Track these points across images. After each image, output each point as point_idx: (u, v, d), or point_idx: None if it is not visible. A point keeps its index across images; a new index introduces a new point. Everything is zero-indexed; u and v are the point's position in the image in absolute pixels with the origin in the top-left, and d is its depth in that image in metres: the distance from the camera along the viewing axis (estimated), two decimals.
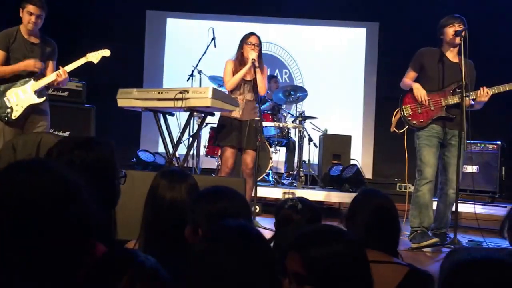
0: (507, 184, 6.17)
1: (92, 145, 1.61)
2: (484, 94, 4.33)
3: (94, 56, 4.57)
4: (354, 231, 2.03)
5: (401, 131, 4.58)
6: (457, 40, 4.39)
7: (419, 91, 4.45)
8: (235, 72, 4.82)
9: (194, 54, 6.60)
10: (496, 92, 4.37)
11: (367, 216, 2.05)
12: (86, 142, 1.62)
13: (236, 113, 4.79)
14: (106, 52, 4.62)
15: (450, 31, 4.42)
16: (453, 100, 4.40)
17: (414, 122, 4.51)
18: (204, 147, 6.84)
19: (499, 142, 6.16)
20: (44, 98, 4.46)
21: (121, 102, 4.71)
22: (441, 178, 4.56)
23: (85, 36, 7.80)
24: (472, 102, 4.48)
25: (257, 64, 4.70)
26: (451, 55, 4.54)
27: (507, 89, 4.36)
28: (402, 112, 4.57)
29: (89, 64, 7.50)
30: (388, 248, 2.00)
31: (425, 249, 4.32)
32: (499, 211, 5.81)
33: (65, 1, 8.00)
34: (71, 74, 6.59)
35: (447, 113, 4.43)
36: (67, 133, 6.45)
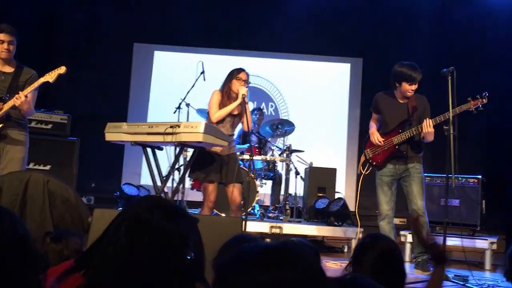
0: (488, 217, 6.26)
1: (177, 216, 1.47)
2: (427, 125, 4.56)
3: (50, 75, 4.39)
4: (360, 272, 2.04)
5: (366, 172, 5.01)
6: (408, 95, 4.73)
7: (373, 136, 4.90)
8: (221, 104, 4.76)
9: (180, 87, 6.60)
10: (442, 120, 4.54)
11: (374, 259, 2.06)
12: (172, 211, 1.47)
13: (216, 148, 4.63)
14: (62, 69, 4.43)
15: (407, 87, 4.70)
16: (401, 138, 4.74)
17: (374, 163, 4.94)
18: (190, 180, 6.79)
19: (479, 176, 6.26)
20: (1, 125, 4.34)
21: (109, 136, 4.60)
22: (409, 207, 4.88)
23: (72, 67, 7.73)
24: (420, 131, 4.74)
25: (247, 100, 4.69)
26: (400, 96, 4.85)
27: (444, 119, 4.53)
28: (365, 156, 5.00)
29: (72, 95, 7.47)
30: None
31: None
32: (481, 244, 5.87)
33: (52, 32, 7.99)
34: (55, 106, 6.62)
35: (399, 150, 4.78)
36: (48, 167, 6.35)
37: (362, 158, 5.04)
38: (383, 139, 4.82)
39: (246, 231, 3.31)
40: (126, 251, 1.38)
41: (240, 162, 5.52)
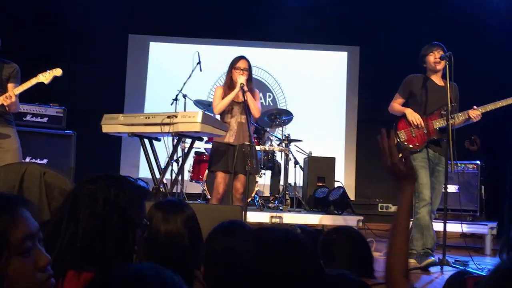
0: (487, 202, 6.26)
1: (112, 180, 1.54)
2: (476, 115, 4.47)
3: (45, 77, 4.39)
4: (334, 266, 2.12)
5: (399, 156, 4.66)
6: (438, 66, 4.59)
7: (413, 116, 4.60)
8: (224, 97, 4.79)
9: (177, 78, 6.56)
10: (482, 111, 4.50)
11: (347, 252, 2.18)
12: (122, 180, 1.55)
13: (229, 138, 4.76)
14: (58, 72, 4.44)
15: (431, 59, 4.62)
16: (444, 122, 4.50)
17: (411, 146, 4.62)
18: (189, 171, 6.76)
19: (478, 162, 6.26)
20: None
21: (106, 128, 4.57)
22: None
23: (67, 60, 7.71)
24: (467, 117, 4.59)
25: (246, 88, 4.66)
26: (437, 79, 4.70)
27: (490, 109, 4.49)
28: (397, 138, 4.66)
29: (68, 88, 7.42)
30: (368, 273, 2.17)
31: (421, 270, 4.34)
32: (481, 229, 5.87)
33: (46, 26, 7.93)
34: (51, 99, 6.58)
35: (440, 135, 4.55)
36: (45, 161, 6.32)
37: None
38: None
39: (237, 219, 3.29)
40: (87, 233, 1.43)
41: None
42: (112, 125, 4.52)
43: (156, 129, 4.26)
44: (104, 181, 1.51)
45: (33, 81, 4.38)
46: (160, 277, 0.92)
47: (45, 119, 6.41)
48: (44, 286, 1.12)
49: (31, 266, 1.11)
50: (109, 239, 1.43)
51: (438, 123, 4.55)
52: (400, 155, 4.73)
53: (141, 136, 4.57)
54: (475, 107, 4.49)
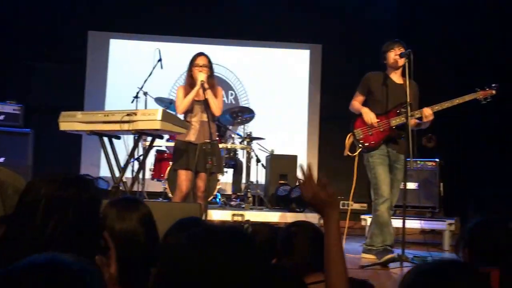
0: (446, 199, 6.38)
1: (83, 183, 1.52)
2: (428, 114, 4.49)
3: None
4: (293, 262, 2.13)
5: (354, 154, 4.70)
6: (399, 63, 4.60)
7: (368, 115, 4.60)
8: (186, 96, 4.75)
9: (138, 76, 6.47)
10: (439, 109, 4.54)
11: (307, 245, 2.14)
12: (77, 180, 1.53)
13: (191, 136, 4.72)
14: None
15: (391, 55, 4.64)
16: (400, 120, 4.52)
17: (366, 144, 4.64)
18: (150, 170, 6.69)
19: (437, 160, 6.38)
20: None
21: (64, 126, 4.50)
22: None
23: (25, 58, 7.51)
24: (419, 121, 4.63)
25: (206, 86, 4.63)
26: (396, 77, 4.72)
27: (446, 106, 4.53)
28: (354, 136, 4.68)
29: (26, 85, 7.25)
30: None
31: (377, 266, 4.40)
32: (440, 225, 6.00)
33: (3, 21, 7.73)
34: (7, 96, 6.43)
35: (397, 133, 4.58)
36: (1, 159, 6.18)
37: (350, 140, 4.69)
38: (378, 120, 4.59)
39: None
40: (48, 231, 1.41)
41: None
42: (70, 122, 4.45)
43: (116, 127, 4.21)
44: (76, 186, 1.49)
45: None
46: (56, 265, 0.90)
47: (1, 117, 6.30)
48: None
49: None
50: (81, 241, 1.42)
51: (395, 121, 4.57)
52: (356, 153, 4.76)
53: (100, 134, 4.51)
54: (426, 108, 4.51)
